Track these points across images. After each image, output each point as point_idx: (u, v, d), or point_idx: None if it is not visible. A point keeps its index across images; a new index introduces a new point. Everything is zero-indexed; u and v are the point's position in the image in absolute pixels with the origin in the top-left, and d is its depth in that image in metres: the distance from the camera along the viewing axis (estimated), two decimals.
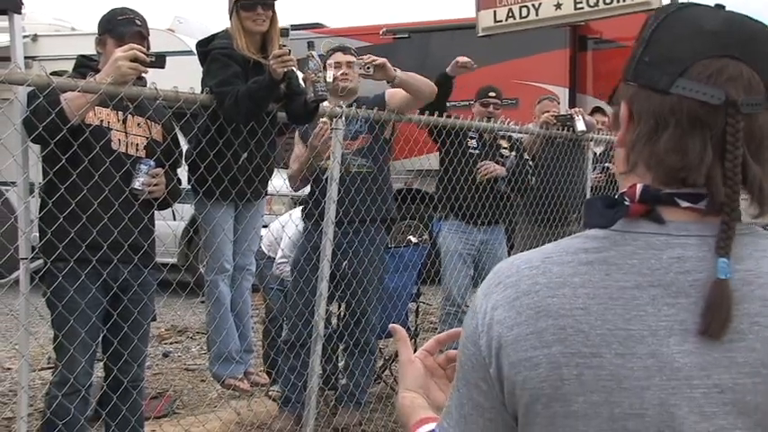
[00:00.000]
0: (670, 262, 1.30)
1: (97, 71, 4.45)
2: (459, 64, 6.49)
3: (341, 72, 5.87)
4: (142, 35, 4.58)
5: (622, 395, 1.28)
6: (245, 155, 5.25)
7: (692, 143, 1.29)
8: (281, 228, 6.83)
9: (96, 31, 4.72)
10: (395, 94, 5.78)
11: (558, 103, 9.68)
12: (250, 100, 4.85)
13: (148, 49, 4.45)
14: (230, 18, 5.28)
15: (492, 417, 1.41)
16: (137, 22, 4.61)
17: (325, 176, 5.52)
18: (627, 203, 1.35)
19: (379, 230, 6.05)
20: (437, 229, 7.43)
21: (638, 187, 1.35)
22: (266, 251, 6.86)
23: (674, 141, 1.31)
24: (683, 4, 1.43)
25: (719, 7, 1.39)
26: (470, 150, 7.16)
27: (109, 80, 4.20)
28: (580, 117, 7.71)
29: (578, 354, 1.29)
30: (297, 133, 6.22)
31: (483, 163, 7.11)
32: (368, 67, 5.53)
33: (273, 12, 5.14)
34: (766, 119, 1.32)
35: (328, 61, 5.96)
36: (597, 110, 9.75)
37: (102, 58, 4.57)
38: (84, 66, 4.65)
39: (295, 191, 6.45)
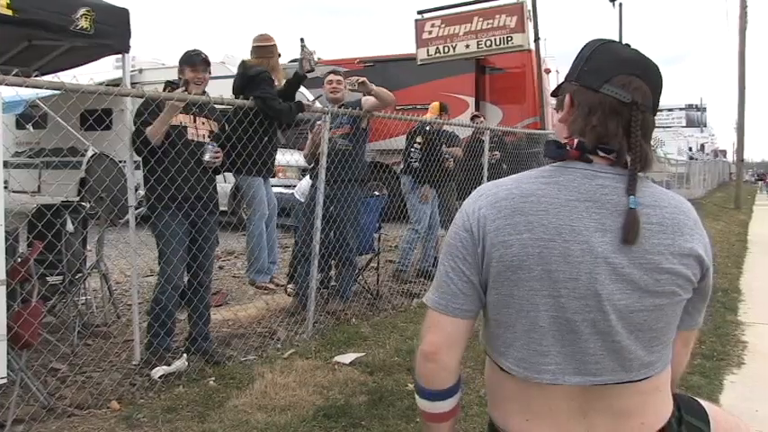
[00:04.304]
0: (596, 187, 1.40)
1: (176, 88, 4.52)
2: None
3: (332, 86, 6.00)
4: (206, 62, 4.67)
5: (566, 266, 1.36)
6: (266, 138, 5.33)
7: (610, 124, 1.40)
8: (307, 184, 6.88)
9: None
10: (367, 100, 5.89)
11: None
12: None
13: (209, 72, 4.63)
14: (271, 57, 5.46)
15: (467, 280, 1.46)
16: (202, 56, 4.67)
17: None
18: (568, 148, 1.44)
19: (355, 186, 6.06)
20: (414, 187, 7.57)
21: (576, 140, 1.44)
22: (299, 197, 6.78)
23: (600, 121, 1.41)
24: (606, 39, 1.52)
25: (627, 45, 1.49)
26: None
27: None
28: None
29: (540, 239, 1.37)
30: (310, 129, 6.24)
31: (449, 160, 7.55)
32: (354, 84, 5.68)
33: None
34: (650, 117, 1.44)
35: (327, 78, 6.08)
36: (475, 116, 9.88)
37: (182, 80, 4.62)
38: (168, 87, 4.65)
39: (308, 164, 6.51)
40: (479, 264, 1.45)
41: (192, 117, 4.63)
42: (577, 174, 1.42)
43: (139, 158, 4.48)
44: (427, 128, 7.47)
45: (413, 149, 7.56)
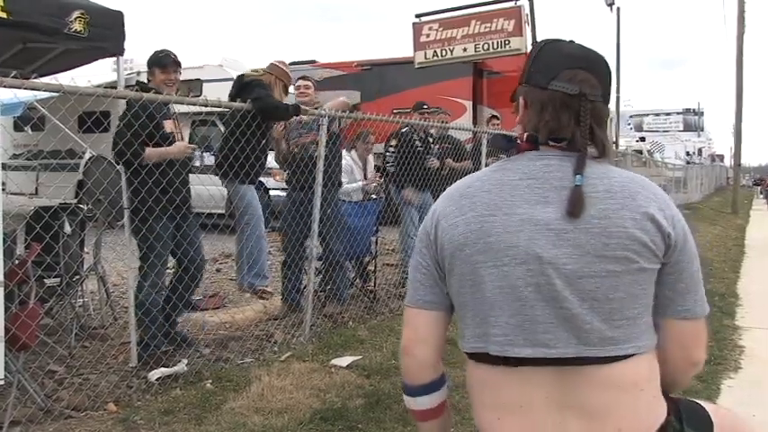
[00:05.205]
0: (540, 166, 1.46)
1: (149, 90, 4.50)
2: None
3: (300, 91, 6.03)
4: (177, 63, 4.65)
5: (507, 236, 1.41)
6: (264, 142, 5.38)
7: (562, 116, 1.45)
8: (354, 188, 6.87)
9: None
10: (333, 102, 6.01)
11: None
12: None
13: (180, 73, 4.65)
14: (274, 77, 5.51)
15: (424, 272, 1.56)
16: (172, 56, 4.63)
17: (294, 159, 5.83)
18: (519, 141, 1.51)
19: (331, 190, 5.94)
20: (397, 192, 7.46)
21: (525, 134, 1.50)
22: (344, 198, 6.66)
23: (552, 116, 1.46)
24: (551, 39, 1.57)
25: (571, 41, 1.55)
26: (417, 148, 7.30)
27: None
28: None
29: (481, 215, 1.45)
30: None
31: (432, 159, 7.41)
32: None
33: None
34: (601, 106, 1.48)
35: (296, 84, 6.10)
36: (493, 117, 9.85)
37: (152, 82, 4.63)
38: (142, 87, 4.65)
39: (281, 168, 6.50)
40: (435, 254, 1.53)
41: (175, 123, 4.67)
42: (524, 159, 1.49)
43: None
44: (403, 129, 7.42)
45: (388, 153, 7.52)
